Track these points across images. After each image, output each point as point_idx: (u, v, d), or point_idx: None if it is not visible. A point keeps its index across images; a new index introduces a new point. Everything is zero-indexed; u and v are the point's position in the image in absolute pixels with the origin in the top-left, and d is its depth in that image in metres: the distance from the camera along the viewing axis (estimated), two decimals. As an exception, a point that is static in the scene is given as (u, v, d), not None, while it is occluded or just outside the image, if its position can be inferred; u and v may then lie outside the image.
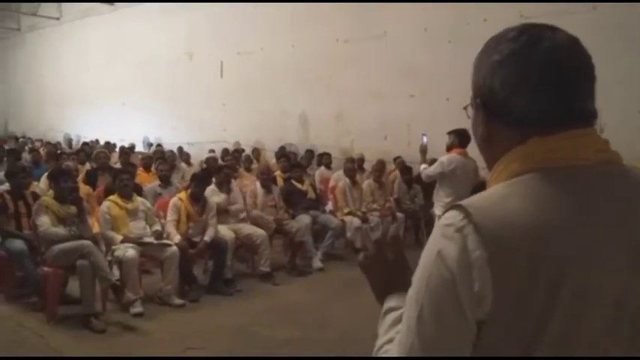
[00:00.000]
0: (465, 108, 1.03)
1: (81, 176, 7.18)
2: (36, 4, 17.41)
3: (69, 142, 15.41)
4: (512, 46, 0.89)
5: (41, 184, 6.65)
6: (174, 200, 5.66)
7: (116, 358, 4.01)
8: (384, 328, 0.99)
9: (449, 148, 5.32)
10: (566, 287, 0.79)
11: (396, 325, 0.95)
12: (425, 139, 5.43)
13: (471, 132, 1.01)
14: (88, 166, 9.19)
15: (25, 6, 18.00)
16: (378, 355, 0.95)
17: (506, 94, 0.89)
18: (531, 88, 0.87)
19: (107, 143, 12.92)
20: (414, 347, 0.83)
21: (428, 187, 6.73)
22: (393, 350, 0.89)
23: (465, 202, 0.84)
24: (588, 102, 0.89)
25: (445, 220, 0.84)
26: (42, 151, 10.40)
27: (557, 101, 0.87)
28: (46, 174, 6.89)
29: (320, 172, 9.04)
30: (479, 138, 0.97)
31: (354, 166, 7.78)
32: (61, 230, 4.75)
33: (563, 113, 0.87)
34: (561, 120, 0.87)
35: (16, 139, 15.26)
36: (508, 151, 0.89)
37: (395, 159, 8.82)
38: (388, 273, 1.08)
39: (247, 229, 6.05)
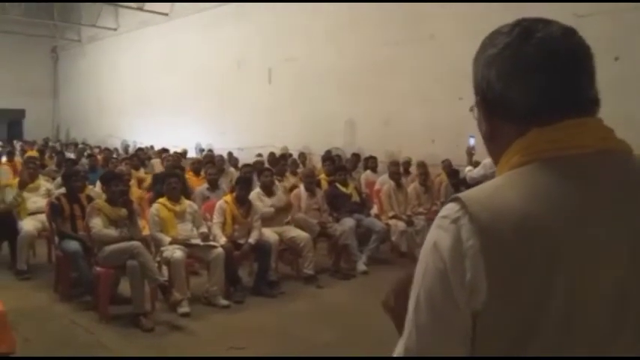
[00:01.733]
0: (471, 109, 1.03)
1: (133, 181, 7.43)
2: (95, 15, 18.16)
3: (125, 148, 15.98)
4: (506, 39, 0.90)
5: (96, 188, 6.95)
6: (220, 203, 5.79)
7: (156, 358, 4.11)
8: None
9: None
10: (560, 276, 0.78)
11: None
12: (472, 141, 5.35)
13: None
14: (142, 171, 9.54)
15: (85, 17, 18.82)
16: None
17: (502, 86, 0.89)
18: (526, 79, 0.87)
19: (162, 149, 13.33)
20: (411, 336, 0.85)
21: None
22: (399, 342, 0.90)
23: (462, 194, 0.85)
24: (587, 90, 0.88)
25: (443, 212, 0.85)
26: (99, 156, 10.85)
27: (554, 91, 0.86)
28: (101, 178, 7.21)
29: (366, 175, 9.03)
30: (482, 136, 0.97)
31: (398, 170, 7.73)
32: (112, 232, 4.94)
33: (561, 103, 0.86)
34: (559, 110, 0.86)
35: (75, 145, 15.95)
36: (509, 146, 0.89)
37: (442, 162, 8.71)
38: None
39: (291, 231, 6.11)
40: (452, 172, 7.97)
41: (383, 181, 7.90)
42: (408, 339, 0.85)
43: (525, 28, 0.89)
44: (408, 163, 8.88)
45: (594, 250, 0.80)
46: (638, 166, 0.88)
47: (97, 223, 4.94)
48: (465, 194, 0.84)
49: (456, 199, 0.84)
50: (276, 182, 6.88)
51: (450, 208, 0.84)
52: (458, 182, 7.82)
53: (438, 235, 0.83)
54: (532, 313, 0.78)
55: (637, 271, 0.81)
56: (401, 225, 6.96)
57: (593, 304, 0.80)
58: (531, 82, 0.87)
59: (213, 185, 6.94)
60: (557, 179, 0.83)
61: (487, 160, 5.08)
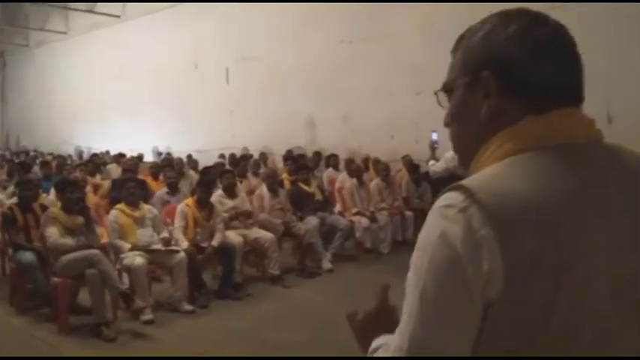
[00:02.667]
0: (437, 93, 1.00)
1: (89, 187, 7.22)
2: (43, 19, 17.62)
3: (80, 154, 15.54)
4: (522, 22, 0.90)
5: (51, 196, 6.72)
6: (181, 206, 5.68)
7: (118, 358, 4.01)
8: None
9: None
10: (573, 263, 0.79)
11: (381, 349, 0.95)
12: (435, 135, 5.41)
13: None
14: (98, 177, 9.29)
15: (32, 21, 18.24)
16: (375, 355, 0.92)
17: (526, 66, 0.88)
18: (543, 63, 0.88)
19: (119, 154, 13.00)
20: (416, 331, 0.81)
21: (436, 184, 6.68)
22: (391, 343, 0.86)
23: (464, 182, 0.82)
24: (580, 82, 0.91)
25: (444, 201, 0.82)
26: (53, 164, 10.51)
27: (560, 77, 0.88)
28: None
29: (328, 173, 9.04)
30: (473, 120, 0.92)
31: (358, 167, 7.76)
32: (69, 241, 4.79)
33: (562, 90, 0.88)
34: (558, 97, 0.88)
35: (27, 153, 15.44)
36: (506, 127, 0.88)
37: (402, 157, 8.78)
38: (378, 326, 1.02)
39: (255, 233, 6.05)
40: (412, 168, 8.05)
41: (343, 179, 7.92)
42: (411, 335, 0.81)
43: (537, 15, 0.91)
44: (367, 160, 8.93)
45: (602, 238, 0.81)
46: (624, 156, 0.90)
47: (53, 233, 4.78)
48: (467, 182, 0.82)
49: (459, 188, 0.81)
50: (238, 184, 6.80)
51: (454, 198, 0.81)
52: (419, 177, 7.91)
53: (444, 226, 0.80)
54: (544, 304, 0.78)
55: (637, 259, 0.83)
56: (364, 221, 6.99)
57: (601, 296, 0.80)
58: (546, 67, 0.88)
59: (173, 189, 6.81)
60: (559, 168, 0.83)
61: (448, 154, 5.14)
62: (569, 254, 0.78)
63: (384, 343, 0.94)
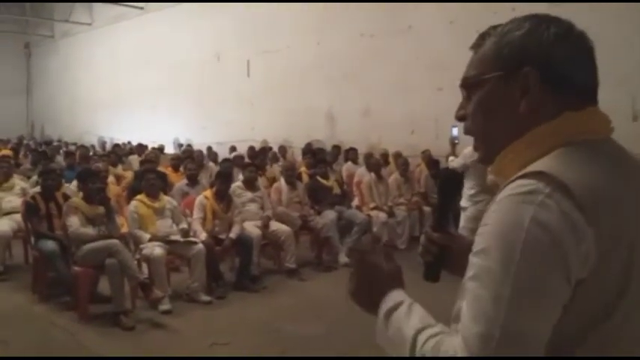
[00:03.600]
0: (465, 84, 1.03)
1: (111, 178, 7.31)
2: (68, 10, 17.83)
3: (102, 144, 15.74)
4: (562, 24, 0.96)
5: (72, 186, 6.83)
6: (199, 198, 5.73)
7: (146, 358, 4.06)
8: (402, 323, 0.95)
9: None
10: (637, 239, 0.87)
11: (413, 316, 0.95)
12: (455, 131, 5.37)
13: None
14: (120, 167, 9.41)
15: (57, 12, 18.48)
16: (425, 349, 0.89)
17: (571, 65, 0.94)
18: (584, 63, 0.96)
19: (140, 145, 13.15)
20: (510, 318, 0.80)
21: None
22: (460, 335, 0.84)
23: (543, 169, 0.86)
24: (598, 84, 0.98)
25: (521, 188, 0.85)
26: (76, 154, 10.66)
27: (589, 78, 0.96)
28: (78, 175, 7.08)
29: (347, 167, 9.03)
30: (505, 114, 0.96)
31: (377, 161, 7.74)
32: (89, 230, 4.86)
33: (590, 90, 0.96)
34: (587, 96, 0.96)
35: (48, 143, 15.67)
36: (537, 125, 0.93)
37: (422, 152, 8.73)
38: (379, 279, 1.05)
39: (272, 225, 6.07)
40: (432, 163, 8.00)
41: (361, 174, 7.91)
42: (503, 321, 0.81)
43: (568, 22, 0.97)
44: (386, 155, 8.90)
45: None
46: (628, 153, 0.98)
47: (74, 222, 4.85)
48: (545, 169, 0.86)
49: (540, 174, 0.85)
50: (258, 177, 6.84)
51: (533, 184, 0.85)
52: (438, 173, 7.85)
53: (533, 211, 0.82)
54: (624, 277, 0.86)
55: None
56: (382, 216, 6.98)
57: None
58: (585, 67, 0.96)
59: (193, 181, 6.87)
60: (603, 159, 0.91)
61: (467, 150, 5.10)
62: (635, 233, 0.87)
63: (399, 302, 0.98)
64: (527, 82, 0.93)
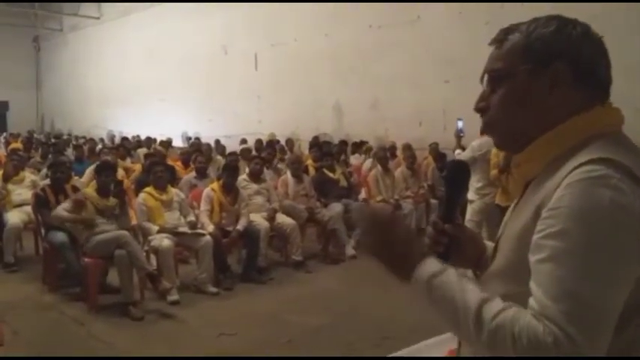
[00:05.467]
0: (490, 76, 1.06)
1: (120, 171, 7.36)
2: (76, 4, 17.89)
3: (111, 138, 15.84)
4: (583, 24, 1.03)
5: (83, 179, 6.89)
6: (207, 191, 5.77)
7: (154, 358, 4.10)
8: (455, 291, 0.94)
9: (482, 132, 5.24)
10: None
11: (468, 285, 0.94)
12: (460, 124, 5.38)
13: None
14: (128, 160, 9.48)
15: (66, 6, 18.55)
16: (501, 321, 0.88)
17: (596, 61, 1.01)
18: (600, 60, 1.02)
19: (148, 139, 13.22)
20: (595, 294, 0.84)
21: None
22: (540, 314, 0.85)
23: (605, 155, 0.90)
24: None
25: (595, 172, 0.89)
26: (85, 147, 10.75)
27: (608, 75, 1.03)
28: (89, 168, 7.15)
29: (353, 159, 9.03)
30: (533, 105, 1.01)
31: (384, 154, 7.74)
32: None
33: (608, 85, 1.03)
34: (606, 91, 1.02)
35: (58, 136, 15.78)
36: (562, 120, 0.99)
37: (430, 145, 8.72)
38: (400, 243, 1.04)
39: (278, 218, 6.11)
40: (439, 156, 7.99)
41: (368, 166, 7.91)
42: (588, 296, 0.84)
43: (586, 23, 1.03)
44: (393, 147, 8.90)
45: None
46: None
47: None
48: (608, 155, 0.90)
49: (608, 161, 0.89)
50: (264, 170, 6.87)
51: (605, 169, 0.89)
52: (445, 165, 7.84)
53: (610, 194, 0.86)
54: None
55: None
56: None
57: None
58: (603, 65, 1.02)
59: (202, 173, 6.91)
60: (636, 150, 0.96)
61: (475, 142, 5.11)
62: None
63: (439, 270, 0.98)
64: (557, 76, 0.99)
